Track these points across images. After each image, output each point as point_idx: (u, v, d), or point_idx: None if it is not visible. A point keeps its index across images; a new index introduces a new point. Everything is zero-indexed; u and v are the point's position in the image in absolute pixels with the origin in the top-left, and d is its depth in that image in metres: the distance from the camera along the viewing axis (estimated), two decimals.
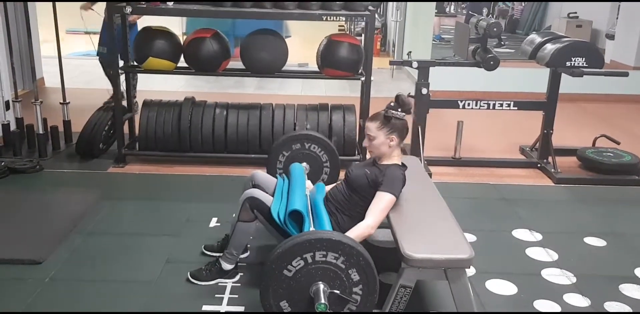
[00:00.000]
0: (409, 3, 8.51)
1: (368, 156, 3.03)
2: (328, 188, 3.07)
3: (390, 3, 10.09)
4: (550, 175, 4.58)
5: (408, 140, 4.58)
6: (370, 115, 2.91)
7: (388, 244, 2.98)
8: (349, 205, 2.81)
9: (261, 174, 3.14)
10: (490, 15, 12.79)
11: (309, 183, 3.16)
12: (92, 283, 2.89)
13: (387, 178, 2.76)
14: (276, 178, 3.12)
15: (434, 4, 7.76)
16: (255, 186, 3.03)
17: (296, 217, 2.67)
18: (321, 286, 2.40)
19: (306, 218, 2.64)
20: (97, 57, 5.72)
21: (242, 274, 2.94)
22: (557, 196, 4.29)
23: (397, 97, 2.83)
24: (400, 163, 2.85)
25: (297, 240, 2.40)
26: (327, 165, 3.81)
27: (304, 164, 3.55)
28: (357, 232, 2.62)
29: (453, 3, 17.42)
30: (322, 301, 2.34)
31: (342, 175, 3.10)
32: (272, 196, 2.88)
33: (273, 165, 3.76)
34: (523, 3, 15.27)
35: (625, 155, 4.72)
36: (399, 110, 2.78)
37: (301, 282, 2.42)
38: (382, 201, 2.72)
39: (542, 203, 4.13)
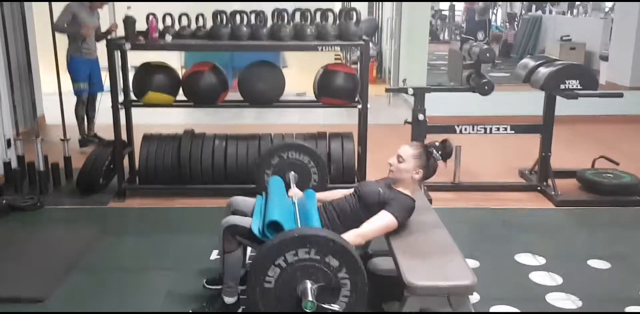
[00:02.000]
0: (402, 31, 8.61)
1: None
2: (321, 195, 3.10)
3: (384, 31, 10.21)
4: (550, 198, 4.58)
5: None
6: (412, 142, 2.95)
7: (390, 272, 2.97)
8: (353, 217, 2.83)
9: (239, 199, 3.12)
10: (488, 39, 12.94)
11: (297, 190, 3.18)
12: None
13: (397, 202, 2.81)
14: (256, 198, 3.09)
15: (427, 32, 7.85)
16: (235, 212, 3.01)
17: (280, 228, 2.64)
18: (307, 284, 2.35)
19: (285, 226, 2.60)
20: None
21: (244, 307, 2.92)
22: (558, 218, 4.28)
23: (445, 141, 2.92)
24: (412, 197, 2.89)
25: (263, 249, 2.37)
26: (313, 166, 3.62)
27: (292, 173, 3.51)
28: (345, 238, 2.60)
29: (446, 30, 17.66)
30: (309, 298, 2.28)
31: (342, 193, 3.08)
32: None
33: (260, 185, 3.58)
34: (515, 28, 15.46)
35: (625, 176, 4.72)
36: (439, 152, 2.87)
37: (286, 288, 2.37)
38: (382, 220, 2.75)
39: (543, 226, 4.12)
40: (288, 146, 3.66)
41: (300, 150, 3.62)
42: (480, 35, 12.37)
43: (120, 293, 3.14)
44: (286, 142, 3.75)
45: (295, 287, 2.38)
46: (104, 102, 5.59)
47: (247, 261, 3.09)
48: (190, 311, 2.88)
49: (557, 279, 3.30)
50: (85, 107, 5.89)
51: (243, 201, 3.10)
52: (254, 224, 2.71)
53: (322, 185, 3.57)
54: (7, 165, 4.79)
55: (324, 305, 2.35)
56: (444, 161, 2.93)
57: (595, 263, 3.51)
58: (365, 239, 2.77)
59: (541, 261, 3.54)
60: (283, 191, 3.10)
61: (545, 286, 3.23)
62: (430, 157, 2.88)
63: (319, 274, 2.37)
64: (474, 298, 2.99)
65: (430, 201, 4.27)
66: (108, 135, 4.63)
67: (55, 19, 5.27)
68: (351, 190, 3.06)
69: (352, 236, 2.69)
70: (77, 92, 5.77)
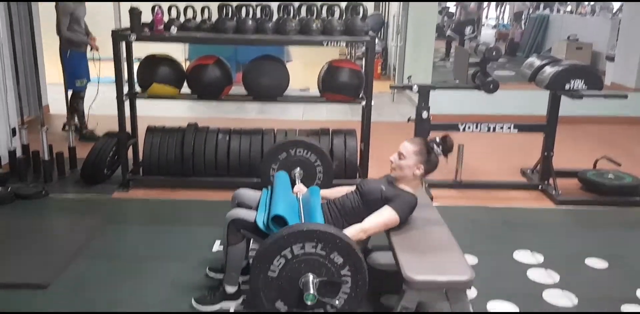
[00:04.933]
0: (409, 28, 8.62)
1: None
2: (326, 192, 3.14)
3: (390, 28, 10.21)
4: (551, 197, 4.60)
5: None
6: (412, 138, 3.00)
7: (389, 267, 3.00)
8: (355, 214, 2.87)
9: (244, 191, 3.15)
10: (475, 33, 12.85)
11: (302, 186, 3.23)
12: (97, 308, 2.91)
13: (401, 199, 2.84)
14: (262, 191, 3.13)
15: (433, 29, 7.86)
16: (240, 204, 3.04)
17: (284, 222, 2.68)
18: (310, 277, 2.42)
19: (290, 221, 2.64)
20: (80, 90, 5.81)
21: (245, 296, 2.95)
22: (558, 218, 4.30)
23: (445, 136, 2.95)
24: (414, 194, 2.92)
25: (271, 240, 2.44)
26: (319, 164, 3.76)
27: (298, 170, 3.57)
28: (348, 232, 2.67)
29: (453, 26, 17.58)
30: (310, 291, 2.36)
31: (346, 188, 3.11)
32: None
33: (266, 178, 3.72)
34: (523, 26, 15.43)
35: (626, 177, 4.74)
36: (440, 147, 2.91)
37: (289, 279, 2.44)
38: (385, 215, 2.79)
39: (543, 225, 4.14)
40: (296, 143, 3.73)
41: (308, 147, 3.71)
42: (468, 30, 12.18)
43: (123, 280, 3.18)
44: (294, 138, 3.80)
45: (298, 278, 2.44)
46: (108, 92, 5.62)
47: (250, 252, 3.12)
48: (193, 301, 2.92)
49: (555, 277, 3.32)
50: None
51: (248, 194, 3.13)
52: (259, 217, 2.74)
53: (326, 183, 3.60)
54: (12, 153, 4.82)
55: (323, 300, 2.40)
56: (444, 156, 2.96)
57: (593, 262, 3.54)
58: (368, 234, 2.80)
59: (539, 259, 3.56)
60: (288, 187, 3.13)
61: (542, 284, 3.25)
62: (431, 152, 2.92)
63: (322, 270, 2.44)
64: (472, 293, 3.02)
65: (432, 198, 4.29)
66: (112, 126, 4.65)
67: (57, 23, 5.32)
68: (353, 187, 3.08)
69: (354, 231, 2.73)
70: (78, 88, 5.77)
